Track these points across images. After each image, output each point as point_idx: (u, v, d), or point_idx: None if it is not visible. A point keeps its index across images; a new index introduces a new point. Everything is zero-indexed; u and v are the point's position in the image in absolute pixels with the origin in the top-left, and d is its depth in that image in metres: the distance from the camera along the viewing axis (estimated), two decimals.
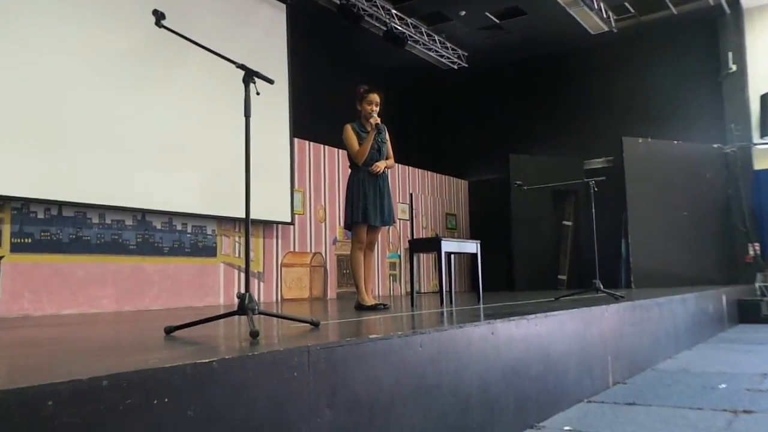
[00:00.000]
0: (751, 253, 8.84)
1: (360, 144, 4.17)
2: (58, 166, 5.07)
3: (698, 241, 8.90)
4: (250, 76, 2.40)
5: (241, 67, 2.42)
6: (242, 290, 2.31)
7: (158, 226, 6.01)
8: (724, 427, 2.60)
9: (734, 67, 9.17)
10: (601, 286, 5.22)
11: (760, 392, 3.34)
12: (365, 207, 4.15)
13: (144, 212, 5.84)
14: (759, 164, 9.06)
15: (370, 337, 2.03)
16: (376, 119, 4.16)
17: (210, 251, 6.50)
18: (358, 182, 4.19)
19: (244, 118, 2.42)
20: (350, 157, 4.28)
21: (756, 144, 9.02)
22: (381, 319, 3.15)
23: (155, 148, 5.77)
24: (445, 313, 3.65)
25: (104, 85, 5.42)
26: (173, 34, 2.52)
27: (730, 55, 9.22)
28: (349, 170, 4.34)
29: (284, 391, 1.66)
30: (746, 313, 7.90)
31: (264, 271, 7.16)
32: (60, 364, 1.68)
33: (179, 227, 6.22)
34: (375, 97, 4.24)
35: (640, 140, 8.97)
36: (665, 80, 9.77)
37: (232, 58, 2.48)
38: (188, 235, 6.30)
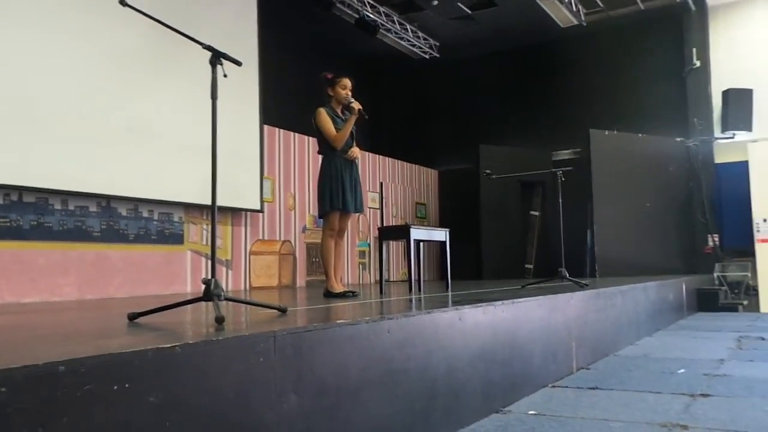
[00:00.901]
0: (711, 244, 9.10)
1: (337, 129, 4.12)
2: (17, 151, 4.90)
3: (660, 231, 9.12)
4: (217, 57, 2.36)
5: (208, 48, 2.37)
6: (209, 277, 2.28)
7: (123, 213, 5.88)
8: (682, 410, 2.68)
9: (698, 63, 9.37)
10: (567, 275, 5.31)
11: (717, 377, 3.45)
12: (344, 194, 4.10)
13: (109, 198, 5.70)
14: (720, 158, 9.30)
15: (338, 322, 2.03)
16: (357, 104, 4.12)
17: (177, 238, 6.40)
18: (336, 168, 4.12)
19: (211, 104, 2.38)
20: (323, 143, 4.18)
21: (717, 138, 9.26)
22: (349, 306, 3.15)
23: (121, 133, 5.63)
24: (413, 300, 3.66)
25: (67, 67, 5.26)
26: (139, 15, 2.45)
27: (695, 51, 9.42)
28: (320, 156, 4.27)
29: (249, 376, 1.65)
30: (705, 301, 8.16)
31: (232, 259, 7.08)
32: (16, 350, 1.63)
33: (145, 214, 6.10)
34: (348, 82, 4.21)
35: (607, 132, 9.12)
36: (632, 74, 9.94)
37: (199, 40, 2.43)
38: (154, 222, 6.18)
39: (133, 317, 2.33)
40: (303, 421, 1.78)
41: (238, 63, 2.40)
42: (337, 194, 4.08)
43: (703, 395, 2.98)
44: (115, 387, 1.31)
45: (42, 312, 3.49)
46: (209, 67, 2.37)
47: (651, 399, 2.92)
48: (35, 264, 5.15)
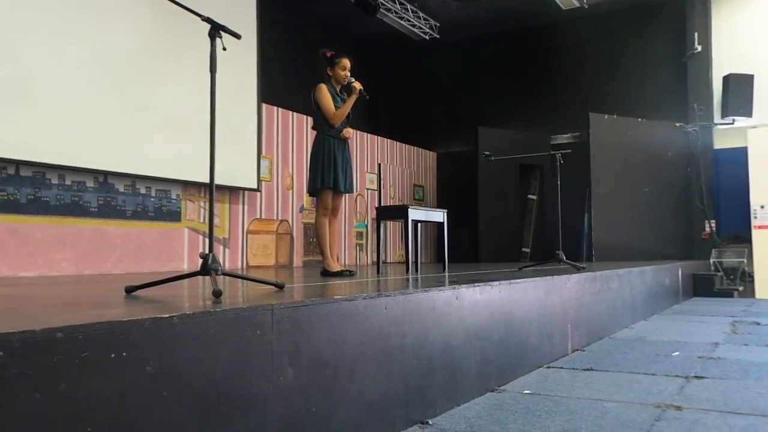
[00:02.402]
0: (707, 229, 9.12)
1: (336, 107, 4.10)
2: (15, 124, 4.86)
3: (658, 216, 9.14)
4: (216, 30, 2.33)
5: (207, 20, 2.34)
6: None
7: (121, 189, 5.86)
8: (676, 391, 2.70)
9: (699, 48, 9.31)
10: (564, 257, 5.32)
11: (711, 360, 3.47)
12: (335, 172, 4.09)
13: (106, 174, 5.68)
14: (719, 144, 9.28)
15: (335, 298, 2.03)
16: (359, 84, 4.10)
17: (174, 216, 6.38)
18: (329, 147, 4.10)
19: (210, 77, 2.35)
20: (319, 119, 4.16)
21: (717, 124, 9.23)
22: (346, 284, 3.16)
23: (119, 108, 5.59)
24: (410, 279, 3.67)
25: (64, 41, 5.20)
26: None
27: (696, 35, 9.35)
28: (314, 133, 4.23)
29: (247, 348, 1.65)
30: (700, 286, 8.20)
31: (229, 238, 7.08)
32: (13, 317, 1.63)
33: (143, 191, 6.08)
34: (347, 62, 4.18)
35: (606, 117, 9.08)
36: (633, 58, 9.88)
37: (197, 12, 2.39)
38: (152, 199, 6.16)
39: (130, 290, 2.33)
40: (300, 395, 1.78)
41: (237, 36, 2.38)
42: (328, 173, 4.06)
43: (697, 377, 3.00)
44: (113, 355, 1.31)
45: (39, 285, 3.49)
46: (208, 44, 2.35)
47: (645, 380, 2.95)
48: (32, 238, 5.14)
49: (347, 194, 4.39)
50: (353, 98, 4.09)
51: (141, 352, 1.37)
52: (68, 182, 5.42)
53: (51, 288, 3.20)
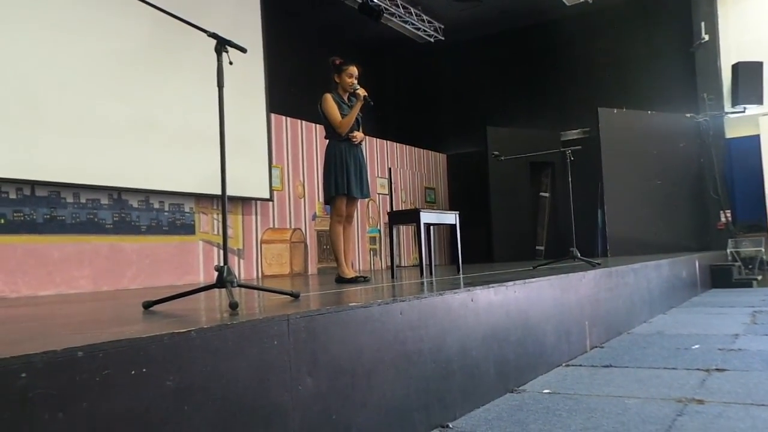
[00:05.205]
0: (723, 219, 9.02)
1: (343, 115, 4.12)
2: (29, 146, 4.94)
3: (672, 209, 9.05)
4: (222, 45, 2.35)
5: (213, 35, 2.37)
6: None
7: (135, 205, 5.92)
8: (698, 385, 2.68)
9: (707, 38, 9.23)
10: (578, 254, 5.29)
11: (732, 351, 3.44)
12: (348, 179, 4.09)
13: (120, 191, 5.74)
14: (730, 133, 9.19)
15: (350, 305, 2.04)
16: (363, 91, 4.11)
17: (188, 229, 6.44)
18: (340, 153, 4.12)
19: (218, 92, 2.38)
20: (328, 128, 4.19)
21: (728, 113, 9.14)
22: (361, 290, 3.16)
23: (130, 125, 5.66)
24: (425, 283, 3.67)
25: (76, 62, 5.27)
26: (144, 6, 2.44)
27: (703, 25, 9.27)
28: (326, 141, 4.26)
29: (265, 359, 1.66)
30: (718, 277, 8.11)
31: (244, 248, 7.12)
32: (35, 337, 1.66)
33: (156, 205, 6.14)
34: (354, 70, 4.20)
35: (615, 111, 9.03)
36: (640, 51, 9.82)
37: (203, 27, 2.42)
38: (166, 213, 6.22)
39: (148, 306, 2.36)
40: (319, 403, 1.79)
41: (243, 50, 2.40)
42: (342, 179, 4.07)
43: (718, 370, 2.97)
44: (133, 372, 1.33)
45: (59, 303, 3.54)
46: (215, 57, 2.37)
47: (666, 375, 2.92)
48: (50, 257, 5.21)
49: (362, 199, 4.40)
50: (358, 105, 4.11)
51: (161, 368, 1.39)
52: (83, 200, 5.49)
53: (70, 306, 3.24)
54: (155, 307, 2.36)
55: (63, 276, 5.28)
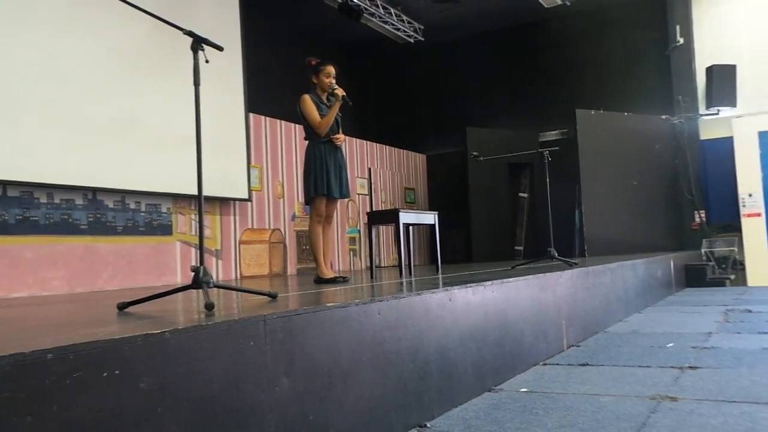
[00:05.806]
0: (697, 220, 9.18)
1: (321, 115, 4.11)
2: (0, 145, 4.85)
3: (648, 209, 9.19)
4: (198, 43, 2.33)
5: (189, 33, 2.34)
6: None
7: (110, 205, 5.84)
8: (671, 383, 2.72)
9: (681, 41, 9.39)
10: (556, 254, 5.34)
11: (705, 349, 3.50)
12: (328, 179, 4.09)
13: (95, 191, 5.65)
14: (705, 135, 9.36)
15: (328, 305, 2.03)
16: (341, 90, 4.10)
17: (165, 229, 6.36)
18: (320, 154, 4.11)
19: (194, 90, 2.35)
20: (308, 129, 4.18)
21: (702, 115, 9.30)
22: (340, 290, 3.16)
23: (106, 124, 5.57)
24: (404, 283, 3.68)
25: (50, 61, 5.18)
26: (122, 5, 2.41)
27: (678, 28, 9.44)
28: (306, 142, 4.25)
29: (240, 361, 1.65)
30: (693, 277, 8.25)
31: (222, 249, 7.06)
32: (4, 340, 1.62)
33: (132, 206, 6.05)
34: (332, 70, 4.19)
35: (593, 112, 9.14)
36: (617, 53, 9.96)
37: (179, 26, 2.40)
38: (142, 214, 6.14)
39: (122, 307, 2.32)
40: (296, 404, 1.78)
41: (219, 48, 2.38)
42: (321, 180, 4.07)
43: (691, 367, 3.02)
44: (105, 374, 1.31)
45: (31, 305, 3.47)
46: (191, 55, 2.35)
47: (640, 373, 2.96)
48: (23, 258, 5.11)
49: (342, 199, 4.39)
50: (337, 105, 4.11)
51: (134, 370, 1.37)
52: (57, 200, 5.39)
53: (43, 308, 3.19)
54: (130, 309, 2.33)
55: (36, 277, 5.18)
